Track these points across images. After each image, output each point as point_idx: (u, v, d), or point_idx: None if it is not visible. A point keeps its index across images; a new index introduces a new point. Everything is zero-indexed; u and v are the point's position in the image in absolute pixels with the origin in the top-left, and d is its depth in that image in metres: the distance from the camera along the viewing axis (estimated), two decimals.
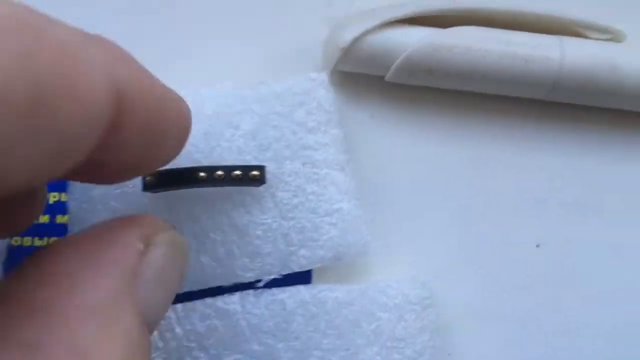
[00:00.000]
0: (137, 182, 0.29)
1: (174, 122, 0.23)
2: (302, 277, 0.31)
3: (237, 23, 0.35)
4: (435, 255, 0.34)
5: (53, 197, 0.33)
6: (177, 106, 0.24)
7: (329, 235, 0.30)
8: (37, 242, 0.33)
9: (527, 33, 0.33)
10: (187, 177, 0.28)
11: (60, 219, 0.33)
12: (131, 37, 0.35)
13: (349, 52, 0.32)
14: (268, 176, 0.30)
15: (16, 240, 0.33)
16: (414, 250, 0.34)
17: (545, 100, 0.34)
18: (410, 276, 0.32)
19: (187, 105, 0.25)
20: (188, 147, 0.28)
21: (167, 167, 0.26)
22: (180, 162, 0.28)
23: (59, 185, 0.33)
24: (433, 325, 0.31)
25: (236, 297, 0.29)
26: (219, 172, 0.28)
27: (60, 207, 0.33)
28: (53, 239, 0.33)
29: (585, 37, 0.34)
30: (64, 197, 0.33)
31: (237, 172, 0.28)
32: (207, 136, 0.31)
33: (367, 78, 0.34)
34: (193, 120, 0.27)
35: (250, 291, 0.30)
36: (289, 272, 0.30)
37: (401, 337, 0.30)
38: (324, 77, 0.31)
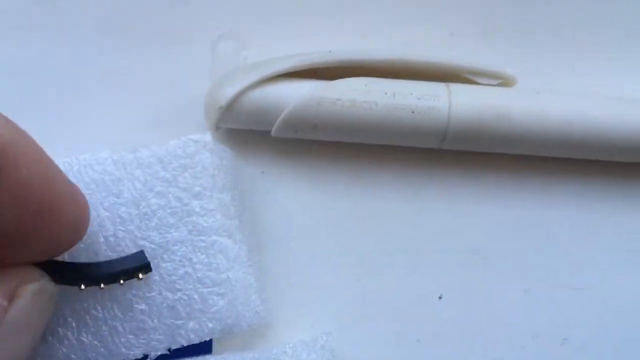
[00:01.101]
0: None
1: (63, 204, 0.23)
2: (202, 344, 0.30)
3: (116, 80, 0.34)
4: (337, 310, 0.33)
5: None
6: (68, 190, 0.23)
7: (217, 307, 0.29)
8: None
9: (414, 82, 0.32)
10: (69, 280, 0.27)
11: None
12: (5, 97, 0.34)
13: (230, 109, 0.32)
14: (152, 246, 0.29)
15: None
16: (316, 308, 0.33)
17: (440, 149, 0.33)
18: (310, 338, 0.31)
19: (84, 197, 0.25)
20: None
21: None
22: None
23: None
24: None
25: None
26: (102, 285, 0.28)
27: None
28: None
29: (475, 83, 0.33)
30: None
31: (121, 281, 0.28)
32: (91, 204, 0.29)
33: (254, 134, 0.33)
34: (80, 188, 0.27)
35: None
36: (178, 346, 0.29)
37: None
38: (207, 138, 0.30)
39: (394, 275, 0.33)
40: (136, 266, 0.28)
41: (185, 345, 0.29)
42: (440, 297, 0.33)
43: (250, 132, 0.33)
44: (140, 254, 0.28)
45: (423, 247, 0.34)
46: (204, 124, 0.33)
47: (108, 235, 0.29)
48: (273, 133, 0.32)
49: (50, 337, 0.28)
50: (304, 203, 0.34)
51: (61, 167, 0.28)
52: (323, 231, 0.34)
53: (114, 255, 0.29)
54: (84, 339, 0.28)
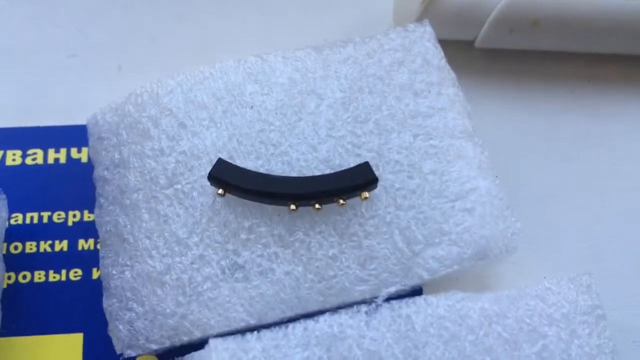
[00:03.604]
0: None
1: None
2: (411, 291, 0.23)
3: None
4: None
5: (73, 217, 0.25)
6: None
7: (464, 226, 0.22)
8: (54, 277, 0.24)
9: None
10: (274, 197, 0.21)
11: (83, 244, 0.25)
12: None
13: (432, 4, 0.26)
14: (371, 154, 0.22)
15: (24, 277, 0.24)
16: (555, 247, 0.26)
17: None
18: (568, 276, 0.23)
19: None
20: (259, 124, 0.22)
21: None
22: (253, 144, 0.22)
23: (80, 198, 0.25)
24: (612, 345, 0.22)
25: (345, 316, 0.21)
26: (317, 206, 0.21)
27: (82, 230, 0.25)
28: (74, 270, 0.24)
29: None
30: (88, 215, 0.25)
31: (341, 201, 0.22)
32: (284, 109, 0.23)
33: (452, 48, 0.26)
34: (263, 91, 0.23)
35: (363, 307, 0.21)
36: (415, 281, 0.22)
37: None
38: (427, 27, 0.24)
39: None
40: (359, 182, 0.21)
41: (425, 278, 0.22)
42: None
43: (448, 46, 0.26)
44: (364, 166, 0.22)
45: None
46: None
47: (314, 143, 0.22)
48: (479, 39, 0.26)
49: (249, 269, 0.21)
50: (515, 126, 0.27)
51: (249, 65, 0.24)
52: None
53: (325, 170, 0.22)
54: (295, 272, 0.21)
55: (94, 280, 0.25)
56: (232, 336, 0.20)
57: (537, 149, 0.28)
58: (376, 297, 0.21)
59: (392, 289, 0.22)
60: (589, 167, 0.28)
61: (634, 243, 0.26)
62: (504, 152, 0.27)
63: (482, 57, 0.28)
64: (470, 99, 0.25)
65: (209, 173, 0.22)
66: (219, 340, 0.20)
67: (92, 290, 0.24)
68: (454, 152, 0.23)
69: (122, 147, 0.23)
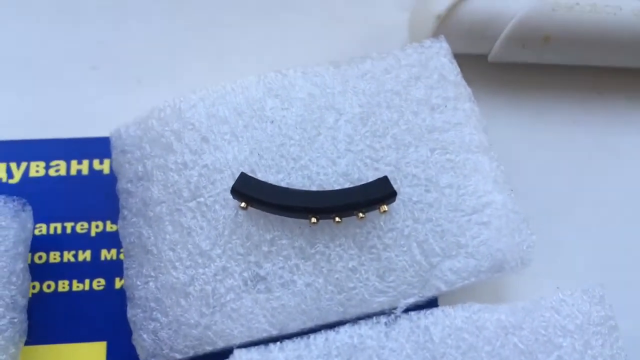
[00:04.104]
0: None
1: None
2: (427, 303, 0.23)
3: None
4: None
5: (96, 227, 0.25)
6: None
7: (480, 239, 0.22)
8: (77, 287, 0.25)
9: None
10: (295, 211, 0.22)
11: (105, 254, 0.25)
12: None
13: (448, 19, 0.26)
14: (389, 168, 0.23)
15: (48, 287, 0.24)
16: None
17: None
18: (581, 288, 0.24)
19: None
20: (280, 138, 0.23)
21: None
22: (273, 158, 0.23)
23: (103, 209, 0.25)
24: (624, 355, 0.23)
25: (365, 327, 0.21)
26: (337, 219, 0.22)
27: (105, 240, 0.25)
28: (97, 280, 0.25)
29: None
30: (110, 226, 0.25)
31: (361, 214, 0.22)
32: (304, 124, 0.23)
33: (467, 61, 0.27)
34: (283, 106, 0.23)
35: (383, 318, 0.21)
36: (434, 293, 0.22)
37: None
38: (443, 43, 0.25)
39: None
40: (378, 196, 0.22)
41: (443, 290, 0.22)
42: None
43: (461, 59, 0.27)
44: (383, 180, 0.22)
45: None
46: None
47: (333, 157, 0.23)
48: (492, 54, 0.26)
49: (271, 280, 0.22)
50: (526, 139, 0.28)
51: (269, 81, 0.24)
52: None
53: (345, 184, 0.22)
54: (316, 284, 0.22)
55: (117, 290, 0.25)
56: (256, 347, 0.21)
57: (549, 161, 0.28)
58: (394, 308, 0.22)
59: (411, 300, 0.22)
60: (600, 178, 0.28)
61: None
62: (517, 164, 0.28)
63: (495, 70, 0.29)
64: (482, 110, 0.26)
65: (232, 187, 0.22)
66: (243, 350, 0.21)
67: (115, 300, 0.25)
68: (470, 166, 0.23)
69: (146, 161, 0.24)
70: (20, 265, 0.24)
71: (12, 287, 0.23)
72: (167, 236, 0.23)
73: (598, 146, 0.29)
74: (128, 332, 0.24)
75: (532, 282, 0.26)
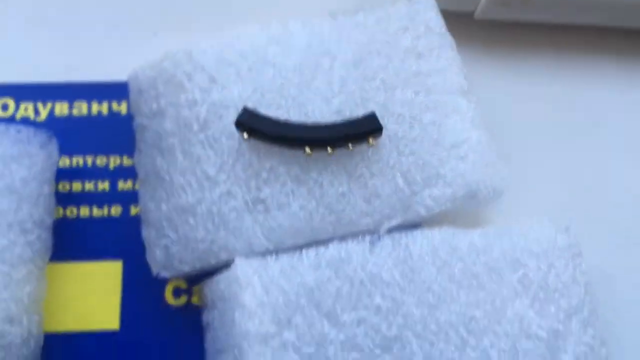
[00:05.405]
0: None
1: None
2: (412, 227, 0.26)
3: None
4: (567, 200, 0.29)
5: (114, 161, 0.28)
6: None
7: (457, 171, 0.25)
8: (97, 212, 0.27)
9: None
10: (292, 141, 0.25)
11: (122, 185, 0.28)
12: None
13: None
14: (376, 107, 0.26)
15: (71, 212, 0.27)
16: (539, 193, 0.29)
17: None
18: (548, 220, 0.26)
19: None
20: (280, 80, 0.25)
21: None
22: (274, 97, 0.25)
23: (120, 145, 0.28)
24: (585, 277, 0.26)
25: (352, 243, 0.24)
26: (329, 150, 0.25)
27: (122, 173, 0.28)
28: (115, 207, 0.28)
29: None
30: (127, 160, 0.28)
31: (350, 146, 0.25)
32: (302, 68, 0.26)
33: (452, 19, 0.29)
34: (283, 54, 0.25)
35: (368, 237, 0.24)
36: (414, 216, 0.25)
37: (554, 287, 0.25)
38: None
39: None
40: (366, 129, 0.25)
41: (422, 214, 0.25)
42: None
43: (449, 17, 0.29)
44: (371, 116, 0.25)
45: None
46: None
47: (328, 97, 0.26)
48: (478, 11, 0.29)
49: (269, 203, 0.25)
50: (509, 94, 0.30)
51: (272, 30, 0.27)
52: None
53: (337, 119, 0.25)
54: (309, 207, 0.25)
55: (132, 216, 0.28)
56: (255, 258, 0.24)
57: (530, 110, 0.31)
58: (379, 229, 0.25)
59: (393, 222, 0.25)
60: (576, 129, 0.31)
61: (612, 195, 0.30)
62: (500, 114, 0.30)
63: (482, 28, 0.31)
64: (468, 67, 0.29)
65: (236, 120, 0.25)
66: (244, 259, 0.24)
67: (130, 225, 0.28)
68: (451, 106, 0.26)
69: (160, 99, 0.27)
70: (47, 189, 0.27)
71: (40, 207, 0.26)
72: (178, 164, 0.26)
73: (574, 97, 0.31)
74: (141, 253, 0.27)
75: (508, 219, 0.29)
